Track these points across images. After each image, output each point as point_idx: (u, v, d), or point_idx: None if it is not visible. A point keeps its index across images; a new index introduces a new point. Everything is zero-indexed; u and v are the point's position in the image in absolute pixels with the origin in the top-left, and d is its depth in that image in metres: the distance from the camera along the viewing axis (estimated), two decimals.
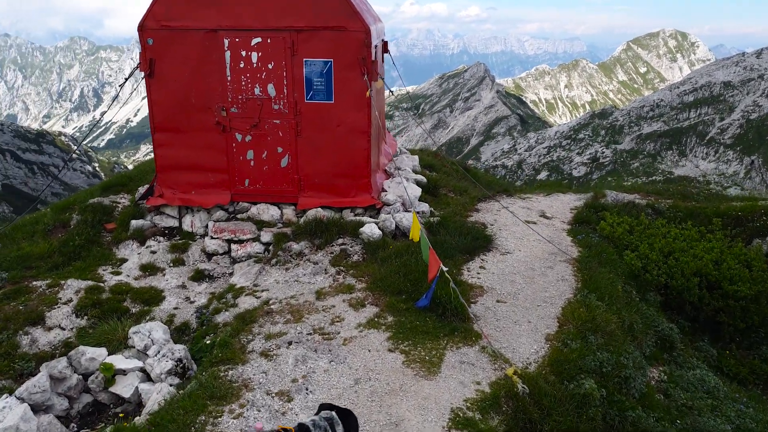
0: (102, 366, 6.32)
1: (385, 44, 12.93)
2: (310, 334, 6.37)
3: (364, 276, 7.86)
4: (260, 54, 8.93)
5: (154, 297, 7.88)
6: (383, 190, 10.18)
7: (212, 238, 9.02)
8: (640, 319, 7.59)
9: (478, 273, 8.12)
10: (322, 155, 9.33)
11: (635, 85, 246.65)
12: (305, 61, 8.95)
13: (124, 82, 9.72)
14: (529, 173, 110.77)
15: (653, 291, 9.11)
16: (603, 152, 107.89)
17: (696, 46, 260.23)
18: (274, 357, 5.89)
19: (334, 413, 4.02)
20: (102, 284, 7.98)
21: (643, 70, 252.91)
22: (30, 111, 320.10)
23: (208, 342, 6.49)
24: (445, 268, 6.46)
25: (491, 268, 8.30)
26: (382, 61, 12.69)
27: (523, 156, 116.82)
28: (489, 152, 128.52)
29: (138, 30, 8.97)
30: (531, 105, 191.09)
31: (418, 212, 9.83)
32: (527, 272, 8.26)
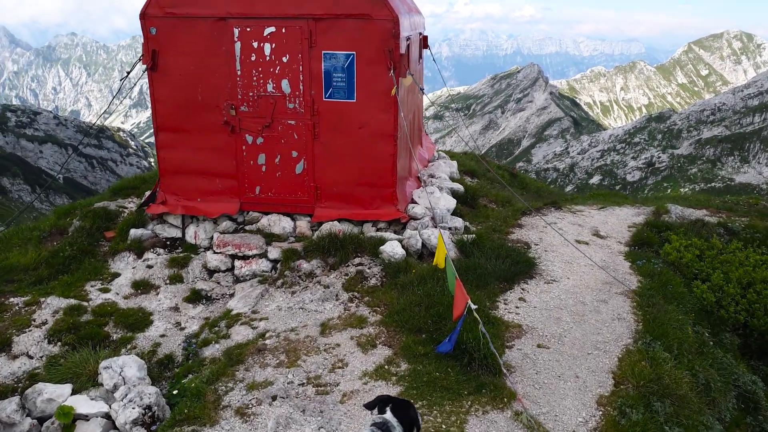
0: (59, 410, 5.30)
1: (424, 39, 11.65)
2: (303, 384, 5.16)
3: (380, 305, 6.62)
4: (274, 45, 7.80)
5: (140, 321, 6.84)
6: (413, 201, 8.91)
7: (215, 252, 7.95)
8: (717, 375, 6.09)
9: (517, 307, 6.76)
10: (342, 161, 8.14)
11: (695, 88, 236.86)
12: (324, 54, 7.77)
13: (125, 77, 8.74)
14: (581, 177, 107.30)
15: (729, 331, 7.56)
16: (659, 157, 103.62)
17: (762, 48, 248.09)
18: (251, 418, 4.70)
19: (388, 415, 3.37)
20: (86, 303, 6.99)
21: (704, 72, 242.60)
22: (92, 107, 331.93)
23: (176, 392, 5.35)
24: (473, 306, 5.14)
25: (533, 301, 6.93)
26: (420, 57, 11.42)
27: (575, 159, 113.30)
28: (540, 155, 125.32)
29: (140, 18, 7.97)
30: (585, 107, 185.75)
31: (450, 228, 8.53)
32: (576, 307, 6.85)
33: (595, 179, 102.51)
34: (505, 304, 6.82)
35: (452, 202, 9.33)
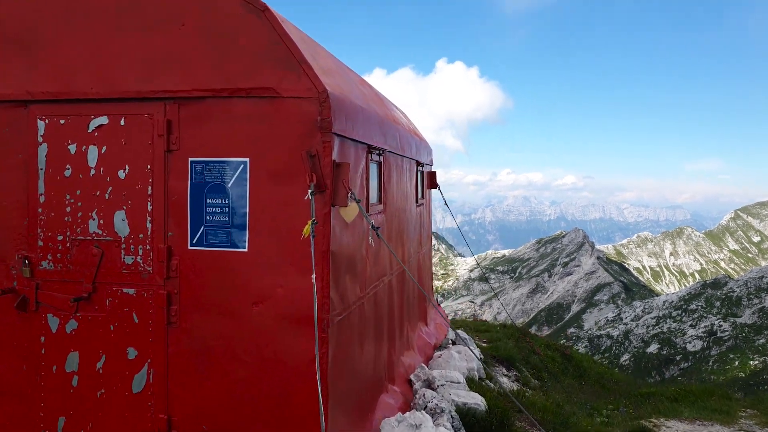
0: None
1: (431, 175, 7.98)
2: None
3: None
4: (105, 149, 4.09)
5: None
6: None
7: None
8: None
9: None
10: (220, 369, 3.97)
11: (749, 255, 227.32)
12: (193, 163, 3.97)
13: None
14: (637, 345, 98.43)
15: None
16: (720, 325, 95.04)
17: None
18: None
19: None
20: None
21: (756, 239, 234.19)
22: None
23: None
24: None
25: None
26: (422, 196, 7.65)
27: (629, 326, 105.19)
28: (592, 320, 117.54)
29: None
30: (635, 272, 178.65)
31: None
32: None
33: (652, 348, 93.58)
34: None
35: None
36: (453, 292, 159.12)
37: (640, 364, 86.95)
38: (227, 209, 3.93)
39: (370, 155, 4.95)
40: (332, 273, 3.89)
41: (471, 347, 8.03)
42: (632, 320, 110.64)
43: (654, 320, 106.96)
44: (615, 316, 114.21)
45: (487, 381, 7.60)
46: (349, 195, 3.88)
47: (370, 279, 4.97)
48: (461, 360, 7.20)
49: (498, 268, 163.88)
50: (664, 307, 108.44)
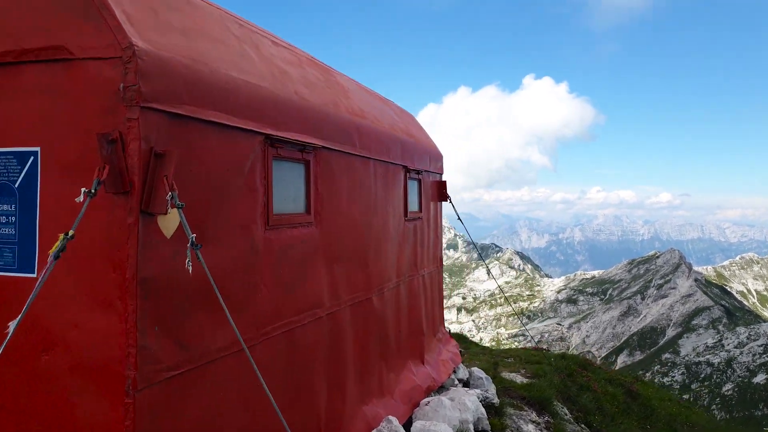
0: None
1: (438, 185, 6.62)
2: None
3: None
4: None
5: None
6: None
7: None
8: None
9: None
10: None
11: None
12: None
13: None
14: (741, 375, 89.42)
15: None
16: None
17: None
18: None
19: None
20: None
21: None
22: None
23: None
24: None
25: None
26: (419, 209, 6.27)
27: (732, 353, 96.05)
28: (690, 346, 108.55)
29: None
30: (738, 296, 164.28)
31: None
32: None
33: (759, 378, 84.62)
34: None
35: None
36: (539, 314, 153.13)
37: (745, 395, 78.71)
38: (14, 218, 2.78)
39: (272, 148, 3.67)
40: (149, 309, 2.64)
41: (469, 393, 6.42)
42: (735, 347, 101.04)
43: (761, 348, 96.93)
44: (716, 342, 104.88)
45: None
46: (168, 198, 2.61)
47: (276, 314, 3.67)
48: (453, 409, 5.67)
49: (587, 289, 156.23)
50: None
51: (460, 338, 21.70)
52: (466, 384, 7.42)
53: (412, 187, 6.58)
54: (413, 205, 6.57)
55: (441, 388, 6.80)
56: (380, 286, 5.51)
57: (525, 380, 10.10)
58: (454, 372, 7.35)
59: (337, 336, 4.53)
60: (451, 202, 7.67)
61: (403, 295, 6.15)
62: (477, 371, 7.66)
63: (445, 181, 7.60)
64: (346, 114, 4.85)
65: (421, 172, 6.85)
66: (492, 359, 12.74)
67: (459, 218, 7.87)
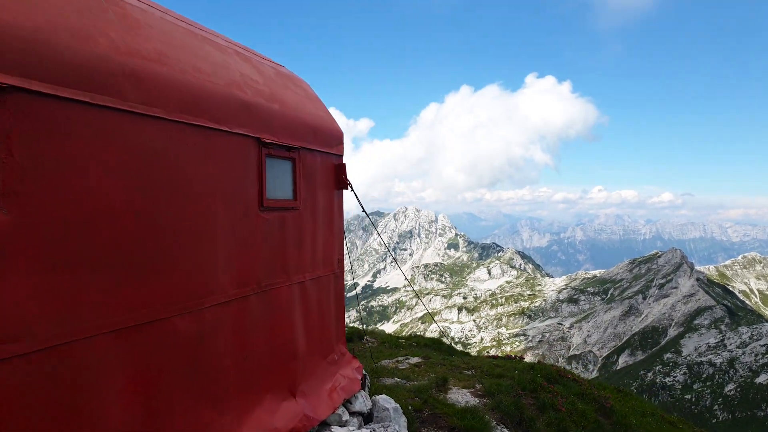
0: None
1: (336, 169, 4.94)
2: None
3: None
4: None
5: None
6: None
7: None
8: None
9: None
10: None
11: None
12: None
13: None
14: (744, 375, 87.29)
15: None
16: None
17: None
18: None
19: None
20: None
21: None
22: None
23: None
24: None
25: None
26: (328, 197, 4.59)
27: (734, 353, 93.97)
28: (692, 346, 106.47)
29: None
30: (740, 295, 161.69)
31: None
32: None
33: (762, 378, 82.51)
34: None
35: None
36: (540, 313, 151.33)
37: (747, 395, 76.52)
38: None
39: None
40: None
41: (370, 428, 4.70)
42: (738, 347, 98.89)
43: (764, 348, 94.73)
44: (718, 342, 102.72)
45: None
46: None
47: None
48: None
49: (588, 289, 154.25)
50: None
51: (438, 344, 19.92)
52: (367, 418, 5.73)
53: (279, 168, 4.89)
54: (279, 192, 4.88)
55: (323, 425, 5.13)
56: (194, 301, 3.84)
57: (472, 400, 8.41)
58: (350, 402, 5.66)
59: (78, 379, 2.87)
60: (352, 189, 5.99)
61: (254, 311, 4.47)
62: (383, 400, 5.93)
63: (343, 164, 5.91)
64: (108, 51, 3.19)
65: (299, 150, 5.16)
66: (446, 371, 11.06)
67: (363, 210, 6.16)
